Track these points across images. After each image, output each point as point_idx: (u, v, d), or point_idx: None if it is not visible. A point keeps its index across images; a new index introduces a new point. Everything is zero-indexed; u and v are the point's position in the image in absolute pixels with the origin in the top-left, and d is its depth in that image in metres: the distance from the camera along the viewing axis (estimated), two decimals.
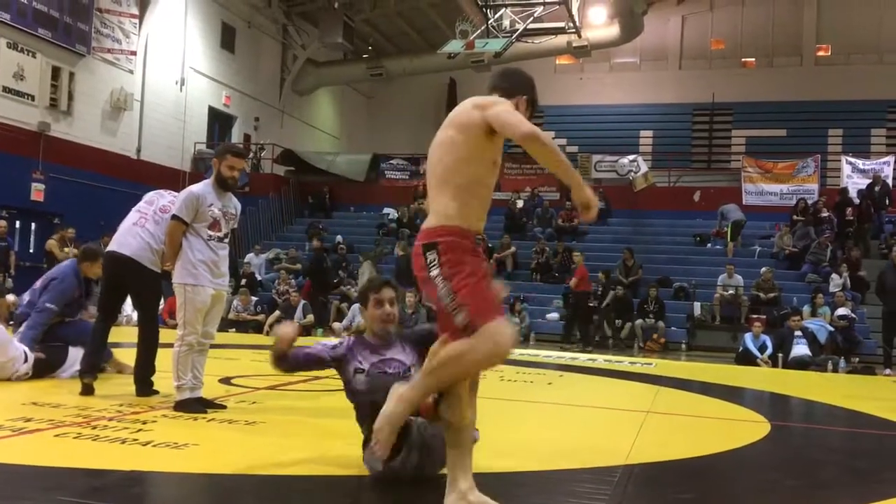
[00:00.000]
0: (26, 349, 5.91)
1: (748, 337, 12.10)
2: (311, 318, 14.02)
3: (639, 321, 14.25)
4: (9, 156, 14.89)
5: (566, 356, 11.35)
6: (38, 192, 15.67)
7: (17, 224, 15.47)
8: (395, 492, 3.25)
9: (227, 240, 5.14)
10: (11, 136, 15.07)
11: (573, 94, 25.89)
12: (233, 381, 6.49)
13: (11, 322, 8.01)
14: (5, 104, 15.02)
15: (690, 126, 25.40)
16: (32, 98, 15.59)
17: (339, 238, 18.40)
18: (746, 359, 11.76)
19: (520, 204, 19.27)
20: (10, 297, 11.79)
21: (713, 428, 5.58)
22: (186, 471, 3.38)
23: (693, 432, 5.32)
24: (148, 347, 5.40)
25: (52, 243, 14.04)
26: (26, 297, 6.57)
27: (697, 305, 15.07)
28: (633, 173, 19.71)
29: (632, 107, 25.27)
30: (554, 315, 15.27)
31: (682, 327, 14.63)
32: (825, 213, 17.15)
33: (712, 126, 25.33)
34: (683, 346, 14.26)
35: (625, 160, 20.07)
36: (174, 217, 5.00)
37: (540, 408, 6.22)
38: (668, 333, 14.31)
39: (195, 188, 5.08)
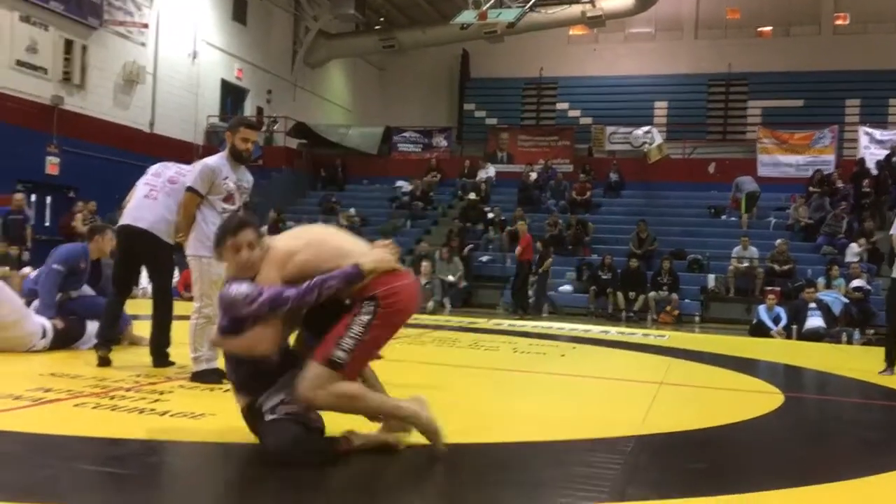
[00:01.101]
0: (45, 323, 5.96)
1: (762, 309, 12.06)
2: None
3: (652, 293, 14.22)
4: (23, 129, 14.94)
5: (579, 328, 11.36)
6: (52, 165, 15.73)
7: (33, 197, 15.56)
8: (413, 464, 3.28)
9: (239, 213, 5.14)
10: (25, 110, 15.11)
11: (587, 64, 25.64)
12: None
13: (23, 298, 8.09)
14: (19, 78, 15.04)
15: (706, 97, 25.10)
16: (45, 71, 15.60)
17: (351, 211, 18.41)
18: (760, 331, 11.74)
19: (533, 176, 19.19)
20: (26, 270, 11.93)
21: (726, 399, 5.58)
22: (203, 440, 3.42)
23: (706, 403, 5.33)
24: (163, 319, 5.44)
25: (77, 220, 14.01)
26: (32, 276, 6.64)
27: (711, 277, 15.03)
28: (647, 145, 19.58)
29: (646, 77, 24.99)
30: (567, 287, 15.26)
31: (696, 299, 14.61)
32: (841, 185, 16.99)
33: (728, 97, 25.03)
34: (697, 318, 14.24)
35: (639, 132, 19.93)
36: (189, 189, 5.01)
37: (552, 379, 6.24)
38: (682, 306, 14.28)
39: (210, 160, 5.08)
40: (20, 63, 15.05)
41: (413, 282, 3.33)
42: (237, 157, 5.09)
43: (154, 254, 5.44)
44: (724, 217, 17.63)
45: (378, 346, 3.19)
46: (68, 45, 16.02)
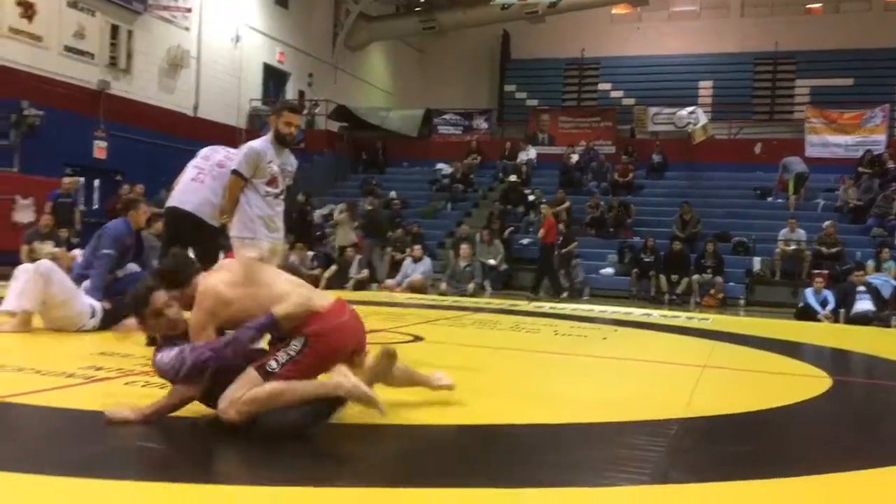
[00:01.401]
0: (94, 304, 6.10)
1: (809, 292, 11.84)
2: (366, 273, 14.16)
3: (696, 276, 14.05)
4: (72, 114, 15.26)
5: (620, 311, 11.28)
6: (100, 149, 16.05)
7: (81, 181, 15.88)
8: (455, 444, 3.30)
9: (282, 196, 5.20)
10: (74, 95, 15.43)
11: (629, 44, 25.29)
12: None
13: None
14: (67, 63, 15.35)
15: (752, 76, 24.63)
16: (92, 57, 15.90)
17: (392, 194, 18.47)
18: (807, 314, 11.53)
19: (574, 158, 19.03)
20: (76, 252, 12.20)
21: (772, 383, 5.51)
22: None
23: (751, 387, 5.26)
24: None
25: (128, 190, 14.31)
26: (80, 259, 6.77)
27: (757, 260, 14.79)
28: (691, 125, 19.27)
29: (691, 57, 24.58)
30: (608, 270, 15.16)
31: (741, 282, 14.39)
32: (892, 165, 16.55)
33: (775, 76, 24.53)
34: (741, 301, 14.04)
35: (683, 112, 19.61)
36: (234, 172, 5.07)
37: (594, 362, 6.22)
38: (726, 289, 14.09)
39: (256, 144, 5.13)
40: (68, 49, 15.35)
41: (348, 320, 3.32)
42: (281, 141, 5.12)
43: (199, 236, 5.53)
44: (770, 199, 17.31)
45: (307, 374, 3.17)
46: (114, 30, 16.29)
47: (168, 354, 3.15)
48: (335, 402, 3.19)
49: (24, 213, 13.89)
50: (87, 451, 2.91)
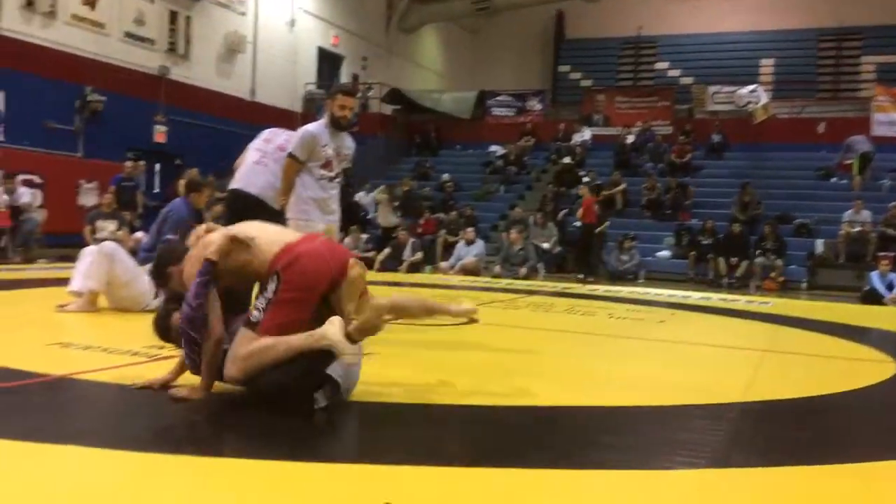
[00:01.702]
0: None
1: (875, 275, 11.50)
2: (419, 255, 14.22)
3: (758, 259, 13.74)
4: (133, 99, 15.61)
5: (678, 294, 11.11)
6: (160, 134, 16.39)
7: (143, 165, 16.25)
8: (513, 424, 3.30)
9: (337, 179, 5.25)
10: (135, 81, 15.77)
11: (687, 22, 24.75)
12: None
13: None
14: (128, 49, 15.69)
15: (815, 53, 23.88)
16: (152, 43, 16.21)
17: (445, 176, 18.47)
18: (872, 298, 11.20)
19: (630, 139, 18.75)
20: (139, 234, 12.51)
21: (835, 367, 5.37)
22: None
23: (813, 372, 5.14)
24: None
25: (181, 183, 14.64)
26: (145, 242, 6.93)
27: (820, 243, 14.40)
28: (752, 104, 18.79)
29: (751, 34, 23.93)
30: (665, 253, 14.93)
31: (803, 265, 14.04)
32: None
33: (840, 52, 23.72)
34: (803, 285, 13.70)
35: (744, 91, 19.12)
36: (290, 155, 5.14)
37: (651, 345, 6.14)
38: (788, 272, 13.76)
39: (311, 127, 5.18)
40: (129, 35, 15.68)
41: (318, 245, 3.31)
42: (335, 125, 5.16)
43: (262, 218, 5.59)
44: (834, 179, 16.81)
45: (293, 311, 3.15)
46: (173, 16, 16.58)
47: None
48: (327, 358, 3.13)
49: (88, 197, 14.31)
50: (149, 426, 2.99)
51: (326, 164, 5.14)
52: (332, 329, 3.04)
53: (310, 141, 5.09)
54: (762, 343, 6.15)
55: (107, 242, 6.47)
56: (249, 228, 3.41)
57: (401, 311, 4.07)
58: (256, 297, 3.24)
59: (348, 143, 5.30)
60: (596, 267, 14.08)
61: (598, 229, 14.22)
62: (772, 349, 5.85)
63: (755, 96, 18.90)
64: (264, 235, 3.34)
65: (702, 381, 4.47)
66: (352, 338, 3.09)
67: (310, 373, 3.10)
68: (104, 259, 6.03)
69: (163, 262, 3.53)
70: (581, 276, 13.47)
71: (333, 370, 3.13)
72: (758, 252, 13.86)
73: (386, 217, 15.23)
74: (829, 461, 2.89)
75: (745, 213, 15.01)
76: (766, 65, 23.72)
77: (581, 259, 14.08)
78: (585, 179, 17.05)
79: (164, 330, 3.47)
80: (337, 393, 3.17)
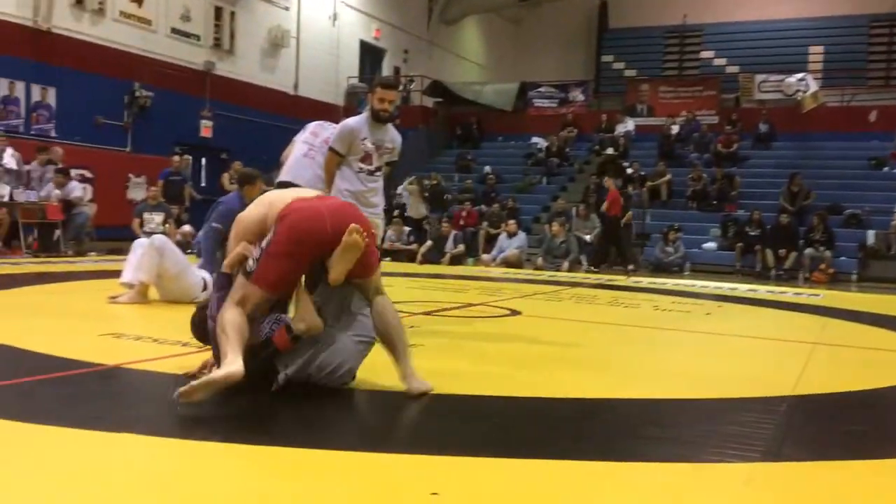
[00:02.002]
0: (205, 275, 6.34)
1: None
2: (461, 247, 14.23)
3: (808, 250, 13.46)
4: (180, 94, 15.87)
5: (724, 286, 10.95)
6: (206, 128, 16.64)
7: (190, 159, 16.52)
8: (561, 416, 3.29)
9: (378, 173, 5.23)
10: (182, 76, 16.03)
11: (735, 9, 24.30)
12: None
13: (189, 252, 8.66)
14: (175, 45, 15.94)
15: (867, 39, 23.25)
16: (198, 38, 16.45)
17: (487, 168, 18.43)
18: None
19: (675, 129, 18.50)
20: (187, 228, 12.74)
21: (888, 360, 5.24)
22: (355, 387, 3.55)
23: (865, 365, 5.03)
24: None
25: (225, 177, 14.89)
26: (200, 235, 7.05)
27: (871, 234, 14.06)
28: (801, 93, 18.39)
29: (800, 21, 23.40)
30: (711, 245, 14.72)
31: (853, 257, 13.73)
32: None
33: (892, 39, 23.07)
34: (854, 276, 13.40)
35: (792, 79, 18.72)
36: (330, 149, 5.18)
37: (698, 337, 6.07)
38: (838, 263, 13.47)
39: (351, 121, 5.21)
40: (175, 31, 15.93)
41: (315, 201, 3.35)
42: (376, 118, 5.14)
43: None
44: (886, 169, 16.39)
45: (284, 262, 3.18)
46: (218, 11, 16.80)
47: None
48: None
49: (136, 191, 14.61)
50: (200, 415, 3.04)
51: (365, 158, 5.15)
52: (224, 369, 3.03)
53: (348, 135, 5.12)
54: (812, 336, 6.03)
55: (157, 236, 6.60)
56: (277, 197, 3.45)
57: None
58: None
59: (391, 137, 5.28)
60: (632, 256, 13.90)
61: (623, 220, 14.03)
62: (822, 342, 5.74)
63: (804, 84, 18.48)
64: (282, 198, 3.39)
65: (751, 374, 4.41)
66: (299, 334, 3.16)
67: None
68: (154, 252, 6.16)
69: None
70: (629, 268, 13.30)
71: (341, 352, 3.23)
72: (807, 243, 13.59)
73: (416, 208, 15.33)
74: (882, 455, 2.82)
75: (793, 203, 14.72)
76: (816, 52, 23.18)
77: (620, 252, 13.93)
78: (629, 171, 16.89)
79: (200, 333, 3.61)
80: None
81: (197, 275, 6.34)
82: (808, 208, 14.70)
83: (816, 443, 3.01)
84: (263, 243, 3.21)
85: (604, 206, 14.02)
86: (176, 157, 14.43)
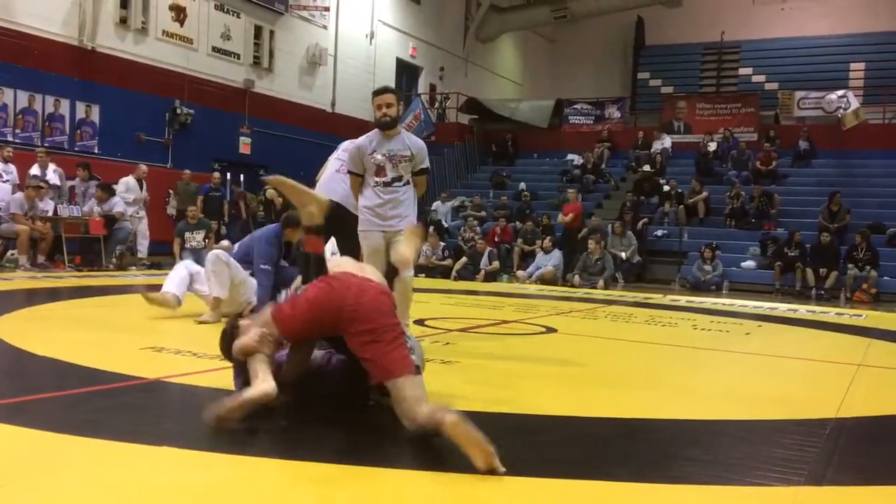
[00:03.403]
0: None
1: None
2: (496, 264, 14.20)
3: (852, 270, 13.20)
4: (220, 112, 16.12)
5: (764, 306, 10.78)
6: (245, 145, 16.87)
7: (228, 175, 16.76)
8: (596, 435, 3.26)
9: (398, 183, 5.11)
10: (222, 94, 16.29)
11: (774, 26, 24.09)
12: (426, 322, 6.72)
13: None
14: (216, 63, 16.22)
15: None
16: (238, 56, 16.72)
17: (522, 185, 18.40)
18: None
19: (712, 147, 18.31)
20: (225, 243, 12.89)
21: None
22: (388, 405, 3.55)
23: None
24: None
25: (272, 193, 15.02)
26: (235, 248, 7.11)
27: None
28: (841, 110, 18.09)
29: (841, 37, 23.11)
30: (750, 263, 14.50)
31: None
32: None
33: None
34: None
35: (833, 96, 18.44)
36: (348, 171, 5.24)
37: (738, 357, 5.97)
38: (880, 283, 13.18)
39: (358, 140, 5.25)
40: (216, 49, 16.21)
41: (347, 275, 3.19)
42: (378, 126, 5.15)
43: (344, 225, 5.68)
44: None
45: (300, 315, 3.09)
46: (257, 30, 17.07)
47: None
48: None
49: (172, 208, 14.80)
50: (238, 429, 3.06)
51: (379, 171, 5.12)
52: (260, 387, 3.02)
53: (355, 154, 5.16)
54: (856, 357, 5.90)
55: (218, 251, 6.60)
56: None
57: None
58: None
59: (405, 144, 5.15)
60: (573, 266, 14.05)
61: (581, 235, 14.74)
62: (866, 363, 5.61)
63: (845, 101, 18.20)
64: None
65: (793, 395, 4.32)
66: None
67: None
68: (223, 265, 6.20)
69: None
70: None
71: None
72: (849, 263, 13.33)
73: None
74: None
75: (833, 222, 14.47)
76: (857, 69, 22.84)
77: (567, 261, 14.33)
78: (666, 188, 16.77)
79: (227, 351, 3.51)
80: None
81: (253, 282, 6.38)
82: (847, 227, 14.43)
83: (861, 467, 2.94)
84: (300, 291, 3.22)
85: (564, 218, 14.85)
86: (216, 174, 14.65)
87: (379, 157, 5.09)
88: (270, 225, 7.25)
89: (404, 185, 5.16)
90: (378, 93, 5.24)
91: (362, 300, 3.02)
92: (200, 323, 6.00)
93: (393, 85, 21.33)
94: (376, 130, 5.19)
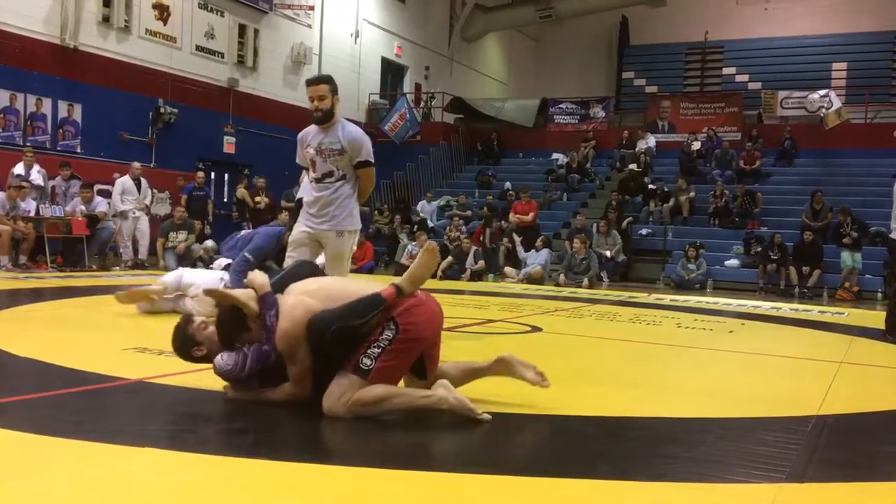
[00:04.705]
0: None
1: None
2: (482, 263, 14.22)
3: (846, 260, 13.32)
4: (204, 111, 16.04)
5: (748, 304, 10.85)
6: (229, 144, 16.80)
7: (213, 175, 16.69)
8: (580, 433, 3.27)
9: (329, 180, 4.80)
10: (206, 93, 16.20)
11: (758, 26, 24.25)
12: None
13: (211, 266, 8.71)
14: (199, 62, 16.13)
15: (891, 56, 23.09)
16: (222, 55, 16.63)
17: (507, 185, 18.44)
18: None
19: (696, 146, 18.42)
20: (210, 243, 12.83)
21: None
22: None
23: (893, 384, 4.96)
24: None
25: (243, 192, 15.02)
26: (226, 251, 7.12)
27: None
28: (824, 109, 18.25)
29: (823, 37, 23.30)
30: (733, 262, 14.60)
31: (879, 275, 13.55)
32: None
33: None
34: (879, 294, 13.22)
35: (815, 96, 18.61)
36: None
37: (721, 355, 6.01)
38: (863, 281, 13.30)
39: (302, 131, 4.96)
40: (199, 48, 16.12)
41: (425, 299, 3.32)
42: (312, 120, 4.83)
43: None
44: None
45: (402, 362, 3.16)
46: (242, 29, 16.99)
47: (228, 356, 3.26)
48: None
49: (160, 206, 14.74)
50: (222, 430, 3.05)
51: (312, 165, 4.84)
52: (450, 394, 3.14)
53: (298, 145, 4.90)
54: (838, 354, 5.95)
55: (222, 277, 6.55)
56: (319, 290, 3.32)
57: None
58: (371, 341, 3.11)
59: (339, 136, 4.74)
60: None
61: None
62: (848, 361, 5.66)
63: (827, 101, 18.36)
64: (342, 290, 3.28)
65: (775, 393, 4.35)
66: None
67: None
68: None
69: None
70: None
71: None
72: (840, 247, 13.44)
73: None
74: None
75: (816, 220, 14.58)
76: (839, 68, 23.05)
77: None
78: (652, 186, 16.85)
79: (183, 349, 3.47)
80: None
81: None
82: (829, 226, 14.56)
83: (843, 464, 2.96)
84: (382, 342, 3.10)
85: (525, 218, 15.12)
86: (200, 173, 14.58)
87: (311, 150, 4.77)
88: (277, 227, 7.31)
89: (337, 181, 4.79)
90: (309, 83, 4.81)
91: (441, 319, 3.40)
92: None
93: (378, 86, 21.34)
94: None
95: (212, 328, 3.37)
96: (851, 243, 13.40)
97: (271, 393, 3.28)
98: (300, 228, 4.93)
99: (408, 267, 3.47)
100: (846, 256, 13.32)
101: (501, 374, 3.53)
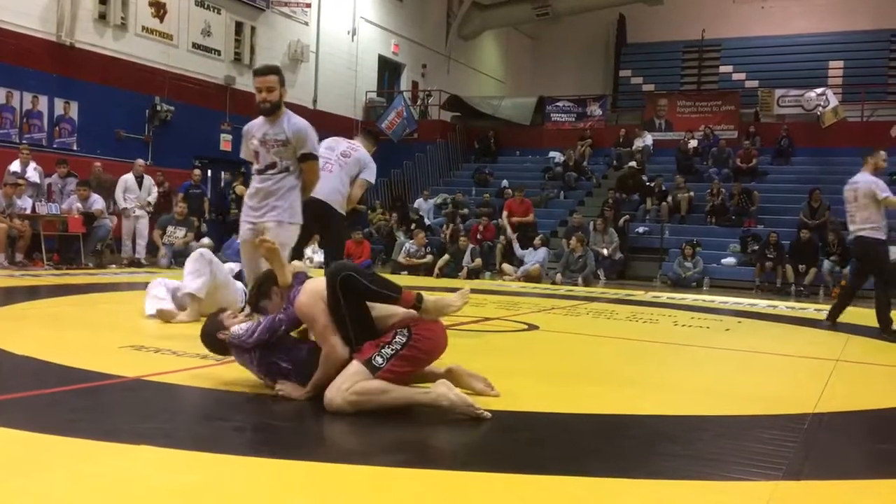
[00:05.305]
0: (243, 287, 6.31)
1: None
2: (479, 261, 14.22)
3: (825, 265, 13.34)
4: (201, 109, 16.01)
5: (744, 302, 10.86)
6: (226, 142, 16.77)
7: (209, 173, 16.66)
8: (577, 431, 3.27)
9: (271, 171, 4.78)
10: (203, 90, 16.18)
11: (754, 24, 24.27)
12: None
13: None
14: (196, 60, 16.10)
15: (887, 54, 23.11)
16: (219, 53, 16.61)
17: (504, 183, 18.43)
18: None
19: (692, 144, 18.43)
20: (206, 241, 12.82)
21: None
22: None
23: (889, 382, 4.97)
24: None
25: (241, 189, 14.97)
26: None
27: (894, 250, 13.87)
28: (820, 108, 18.27)
29: (820, 36, 23.32)
30: (730, 260, 14.61)
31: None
32: None
33: None
34: (835, 289, 13.23)
35: (812, 94, 18.62)
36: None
37: (718, 353, 6.02)
38: None
39: (248, 123, 4.94)
40: (196, 46, 16.10)
41: (443, 329, 3.43)
42: (257, 110, 4.82)
43: (328, 223, 5.67)
44: None
45: (411, 369, 3.26)
46: (238, 26, 16.97)
47: (242, 326, 3.46)
48: None
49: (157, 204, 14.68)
50: (222, 428, 3.05)
51: (255, 157, 4.81)
52: (450, 391, 3.18)
53: (243, 136, 4.88)
54: (834, 352, 5.97)
55: (203, 249, 6.46)
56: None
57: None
58: (379, 346, 3.21)
59: (281, 128, 4.71)
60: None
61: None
62: (844, 359, 5.67)
63: (824, 99, 18.38)
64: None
65: (772, 391, 4.37)
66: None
67: None
68: (205, 262, 5.97)
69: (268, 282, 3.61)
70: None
71: None
72: (828, 259, 13.46)
73: None
74: None
75: (813, 218, 14.60)
76: (836, 67, 23.07)
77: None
78: (650, 184, 16.86)
79: (214, 344, 3.65)
80: None
81: (239, 289, 6.24)
82: (827, 224, 14.57)
83: (839, 461, 2.97)
84: (395, 345, 3.20)
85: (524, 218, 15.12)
86: (196, 171, 14.56)
87: (255, 141, 4.74)
88: None
89: (279, 172, 4.77)
90: (258, 73, 4.79)
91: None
92: (177, 322, 5.94)
93: (375, 83, 21.31)
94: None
95: (240, 317, 3.62)
96: (837, 260, 13.41)
97: (320, 369, 3.31)
98: (245, 226, 4.91)
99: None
100: (829, 264, 13.35)
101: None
